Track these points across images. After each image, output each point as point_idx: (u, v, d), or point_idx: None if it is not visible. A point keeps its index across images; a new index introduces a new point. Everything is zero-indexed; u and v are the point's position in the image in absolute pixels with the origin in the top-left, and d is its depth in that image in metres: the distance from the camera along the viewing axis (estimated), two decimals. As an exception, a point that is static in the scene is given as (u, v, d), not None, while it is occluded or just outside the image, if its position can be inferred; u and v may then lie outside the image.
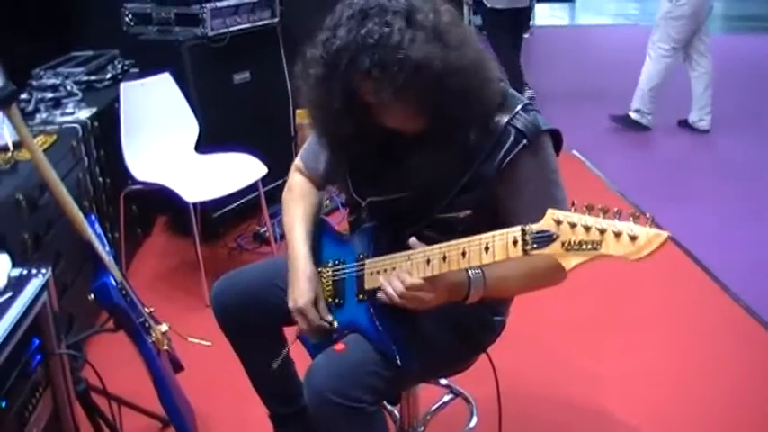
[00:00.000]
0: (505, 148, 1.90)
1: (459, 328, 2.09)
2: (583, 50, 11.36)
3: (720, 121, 6.93)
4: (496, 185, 1.93)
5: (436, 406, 2.76)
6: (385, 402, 2.34)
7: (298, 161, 2.37)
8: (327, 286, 2.18)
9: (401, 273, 1.83)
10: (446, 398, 2.78)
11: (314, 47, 1.87)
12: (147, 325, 2.45)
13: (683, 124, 6.88)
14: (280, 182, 4.68)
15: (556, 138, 2.00)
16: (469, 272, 1.85)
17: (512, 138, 1.90)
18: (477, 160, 1.91)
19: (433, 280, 1.81)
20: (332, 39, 1.79)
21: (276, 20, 4.77)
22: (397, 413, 2.57)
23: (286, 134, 5.08)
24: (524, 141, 1.90)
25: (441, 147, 1.89)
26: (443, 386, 2.75)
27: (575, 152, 6.02)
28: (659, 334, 3.55)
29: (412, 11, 1.76)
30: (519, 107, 1.93)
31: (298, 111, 4.98)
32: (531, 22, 12.23)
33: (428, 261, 1.81)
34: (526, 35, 11.62)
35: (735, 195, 5.28)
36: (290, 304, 2.08)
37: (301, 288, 2.08)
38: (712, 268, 4.07)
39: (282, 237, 4.40)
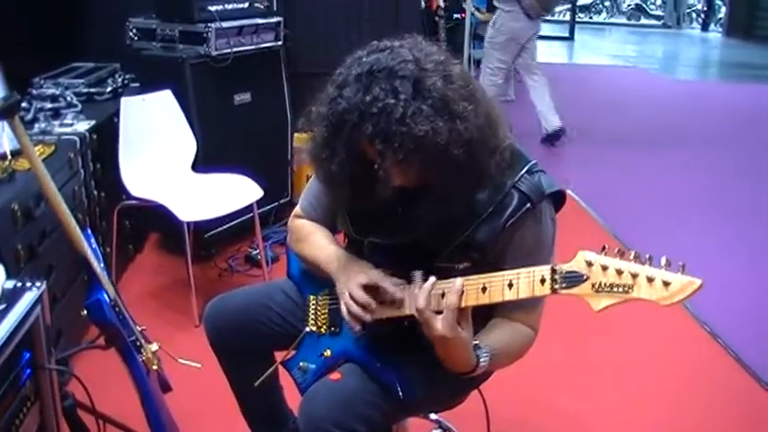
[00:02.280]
0: (509, 211, 1.90)
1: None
2: (580, 89, 11.41)
3: (716, 165, 6.98)
4: (496, 245, 1.93)
5: (424, 440, 2.75)
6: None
7: (297, 211, 2.33)
8: (323, 314, 2.17)
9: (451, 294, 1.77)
10: (434, 433, 2.77)
11: (320, 103, 1.85)
12: (138, 344, 2.42)
13: (546, 139, 7.52)
14: (275, 204, 4.75)
15: (558, 197, 2.00)
16: (481, 360, 1.85)
17: (515, 201, 1.90)
18: (480, 218, 1.91)
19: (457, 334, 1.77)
20: (338, 99, 1.76)
21: (279, 43, 4.79)
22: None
23: (283, 157, 5.08)
24: (528, 205, 1.90)
25: (444, 203, 1.88)
26: (433, 421, 2.72)
27: (569, 191, 6.03)
28: (645, 376, 3.55)
29: (420, 78, 1.71)
30: (524, 169, 1.93)
31: (296, 134, 4.98)
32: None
33: (443, 295, 1.80)
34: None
35: (731, 238, 5.32)
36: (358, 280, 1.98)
37: (360, 264, 2.03)
38: (703, 315, 4.07)
39: (275, 260, 4.45)
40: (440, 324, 1.74)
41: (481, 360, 1.84)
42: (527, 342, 2.02)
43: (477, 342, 1.86)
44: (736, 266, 4.78)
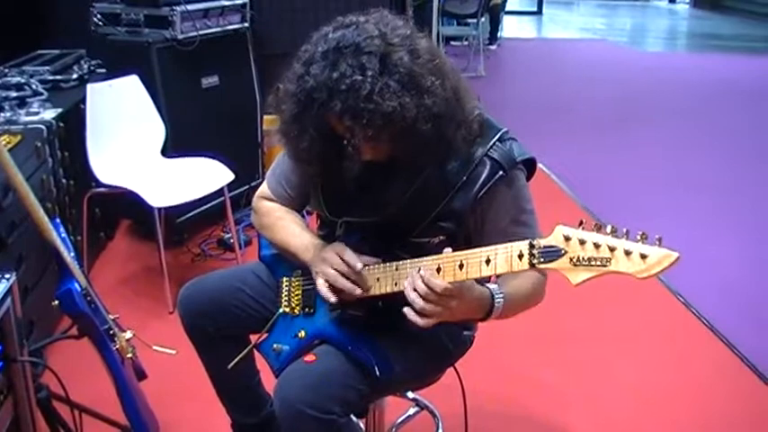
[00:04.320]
0: (482, 180, 1.90)
1: (431, 342, 2.08)
2: (549, 63, 11.45)
3: (685, 137, 7.01)
4: (471, 215, 1.94)
5: (402, 419, 2.75)
6: (352, 415, 2.32)
7: (264, 191, 2.30)
8: (296, 296, 2.16)
9: (426, 275, 1.74)
10: (412, 411, 2.77)
11: (288, 81, 1.84)
12: (111, 332, 2.41)
13: None
14: (246, 188, 4.73)
15: (530, 164, 2.00)
16: (495, 297, 1.83)
17: (488, 169, 1.91)
18: (453, 190, 1.91)
19: (461, 289, 1.74)
20: (305, 76, 1.76)
21: (246, 25, 4.76)
22: (362, 425, 2.55)
23: (253, 140, 5.06)
24: (501, 173, 1.91)
25: (416, 176, 1.90)
26: (410, 399, 2.73)
27: (539, 165, 6.03)
28: (626, 354, 3.56)
29: (387, 53, 1.72)
30: (495, 138, 1.93)
31: (265, 117, 4.95)
32: (499, 34, 12.34)
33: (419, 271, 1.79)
34: (493, 47, 11.75)
35: (700, 210, 5.35)
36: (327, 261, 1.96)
37: (332, 246, 1.99)
38: (677, 286, 4.10)
39: (247, 243, 4.44)
40: (423, 321, 1.75)
41: (496, 300, 1.83)
42: (539, 284, 1.98)
43: (489, 286, 1.85)
44: (710, 239, 4.82)
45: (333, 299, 1.94)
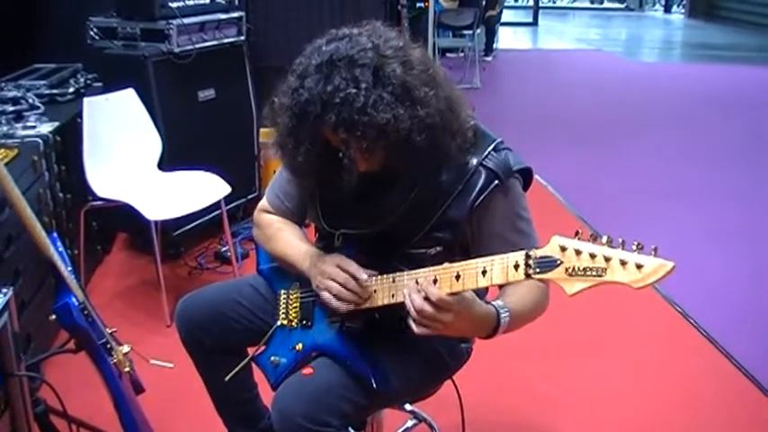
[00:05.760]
0: (478, 189, 1.91)
1: (429, 354, 2.08)
2: (545, 74, 11.48)
3: (680, 147, 7.02)
4: (468, 225, 1.94)
5: (400, 431, 2.74)
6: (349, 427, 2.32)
7: (264, 204, 2.31)
8: (294, 308, 2.16)
9: (427, 285, 1.73)
10: (410, 423, 2.75)
11: (282, 94, 1.86)
12: (108, 346, 2.40)
13: None
14: (243, 201, 4.74)
15: (526, 174, 2.00)
16: (501, 315, 1.81)
17: (483, 178, 1.91)
18: (449, 200, 1.92)
19: (459, 303, 1.72)
20: (300, 89, 1.77)
21: (242, 38, 4.76)
22: (360, 437, 2.54)
23: (250, 153, 5.05)
24: (496, 182, 1.91)
25: (411, 187, 1.91)
26: (407, 412, 2.72)
27: (536, 177, 6.03)
28: (622, 362, 3.57)
29: (380, 65, 1.73)
30: (491, 147, 1.94)
31: (262, 129, 4.96)
32: (494, 45, 12.36)
33: (416, 283, 1.79)
34: (488, 58, 11.77)
35: (696, 220, 5.36)
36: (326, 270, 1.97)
37: (330, 258, 2.00)
38: (672, 295, 4.10)
39: (245, 256, 4.43)
40: (419, 329, 1.74)
41: (502, 318, 1.81)
42: (542, 294, 1.96)
43: (494, 303, 1.83)
44: (706, 247, 4.83)
45: (344, 308, 1.93)
